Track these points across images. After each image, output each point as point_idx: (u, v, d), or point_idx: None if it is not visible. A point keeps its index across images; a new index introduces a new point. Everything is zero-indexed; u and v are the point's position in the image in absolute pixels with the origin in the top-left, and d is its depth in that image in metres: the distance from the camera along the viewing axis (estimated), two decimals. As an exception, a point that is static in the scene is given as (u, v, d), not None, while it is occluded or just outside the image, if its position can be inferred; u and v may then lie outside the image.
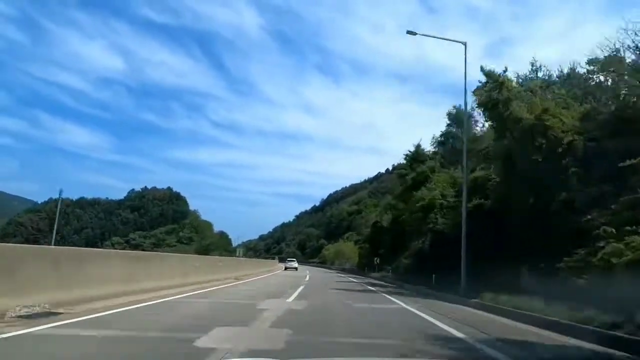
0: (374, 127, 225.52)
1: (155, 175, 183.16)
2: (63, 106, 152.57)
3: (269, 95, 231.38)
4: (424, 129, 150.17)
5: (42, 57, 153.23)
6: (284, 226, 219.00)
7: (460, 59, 16.94)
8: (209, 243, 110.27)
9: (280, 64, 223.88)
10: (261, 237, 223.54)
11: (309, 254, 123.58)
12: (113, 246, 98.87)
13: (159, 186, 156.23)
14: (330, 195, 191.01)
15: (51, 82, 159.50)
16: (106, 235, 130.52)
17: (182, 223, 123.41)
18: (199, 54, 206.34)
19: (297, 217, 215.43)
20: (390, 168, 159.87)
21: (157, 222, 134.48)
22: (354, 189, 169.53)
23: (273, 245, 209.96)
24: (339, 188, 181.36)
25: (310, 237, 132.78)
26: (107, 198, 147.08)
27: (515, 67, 54.63)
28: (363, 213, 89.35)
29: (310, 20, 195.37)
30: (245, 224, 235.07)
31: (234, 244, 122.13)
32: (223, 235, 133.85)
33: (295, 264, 57.84)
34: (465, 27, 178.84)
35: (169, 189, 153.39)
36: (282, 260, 74.50)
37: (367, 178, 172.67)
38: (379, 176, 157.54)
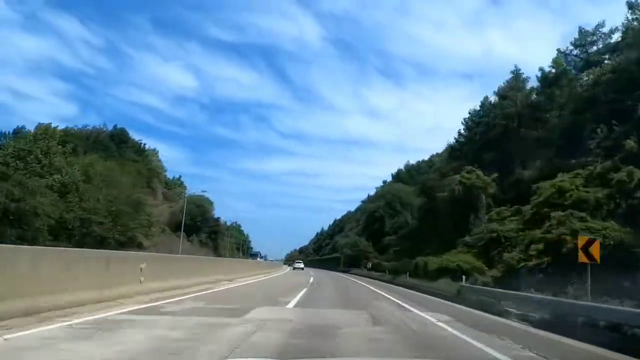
0: (441, 128, 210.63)
1: (226, 185, 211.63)
2: (145, 124, 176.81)
3: (333, 102, 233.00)
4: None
5: (125, 80, 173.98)
6: (345, 216, 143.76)
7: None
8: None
9: (342, 70, 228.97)
10: (317, 234, 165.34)
11: (395, 247, 47.49)
12: None
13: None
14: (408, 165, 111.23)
15: (134, 103, 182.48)
16: None
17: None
18: (264, 67, 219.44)
19: (363, 202, 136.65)
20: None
21: None
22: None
23: (325, 242, 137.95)
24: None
25: (394, 203, 57.20)
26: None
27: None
28: None
29: (369, 24, 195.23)
30: (307, 229, 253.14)
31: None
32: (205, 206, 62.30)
33: (302, 265, 61.53)
34: (534, 16, 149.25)
35: (115, 127, 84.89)
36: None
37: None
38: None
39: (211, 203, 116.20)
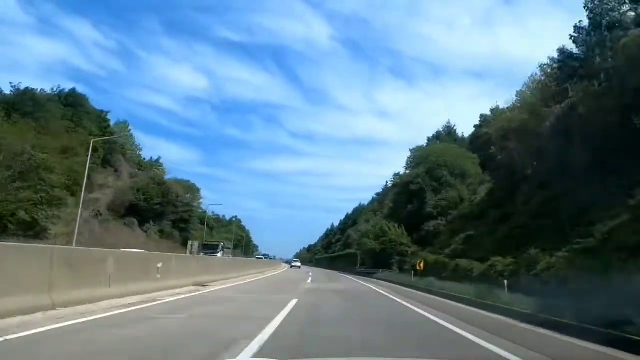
0: (452, 127, 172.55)
1: (237, 185, 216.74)
2: (156, 125, 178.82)
3: (343, 102, 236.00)
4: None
5: (137, 82, 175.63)
6: (358, 209, 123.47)
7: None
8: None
9: (352, 70, 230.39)
10: (326, 231, 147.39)
11: (455, 235, 27.20)
12: None
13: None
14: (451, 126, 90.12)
15: (145, 104, 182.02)
16: None
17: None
18: (274, 68, 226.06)
19: (378, 194, 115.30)
20: None
21: None
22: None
23: (336, 238, 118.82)
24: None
25: (439, 171, 36.92)
26: None
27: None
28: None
29: (380, 25, 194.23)
30: (317, 229, 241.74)
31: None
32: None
33: (299, 264, 62.68)
34: (547, 14, 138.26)
35: (69, 88, 65.34)
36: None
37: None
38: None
39: (198, 189, 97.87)
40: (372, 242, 37.66)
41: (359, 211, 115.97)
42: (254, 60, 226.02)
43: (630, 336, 5.51)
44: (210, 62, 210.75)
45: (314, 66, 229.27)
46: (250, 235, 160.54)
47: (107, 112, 74.10)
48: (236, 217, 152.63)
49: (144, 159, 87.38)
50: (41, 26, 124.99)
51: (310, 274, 34.60)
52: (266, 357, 4.09)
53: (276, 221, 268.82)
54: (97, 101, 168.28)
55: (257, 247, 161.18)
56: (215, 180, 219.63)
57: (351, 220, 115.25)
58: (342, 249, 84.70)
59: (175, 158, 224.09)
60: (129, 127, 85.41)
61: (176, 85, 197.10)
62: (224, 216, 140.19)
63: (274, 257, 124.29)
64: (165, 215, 50.80)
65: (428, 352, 5.56)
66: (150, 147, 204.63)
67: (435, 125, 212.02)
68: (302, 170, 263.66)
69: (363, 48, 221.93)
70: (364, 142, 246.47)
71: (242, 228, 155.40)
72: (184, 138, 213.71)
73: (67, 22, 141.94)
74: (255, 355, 4.49)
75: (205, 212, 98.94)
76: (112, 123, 79.71)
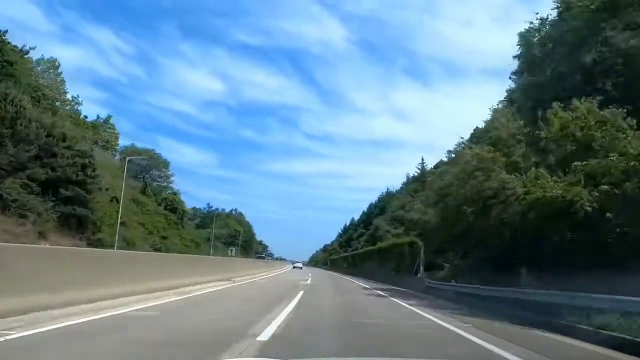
0: (470, 127, 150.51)
1: (253, 187, 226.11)
2: (175, 129, 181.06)
3: (359, 103, 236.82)
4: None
5: (156, 87, 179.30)
6: (383, 196, 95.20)
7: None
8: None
9: (368, 71, 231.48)
10: (344, 227, 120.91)
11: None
12: None
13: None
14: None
15: (164, 108, 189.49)
16: None
17: None
18: (291, 71, 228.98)
19: (404, 183, 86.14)
20: None
21: None
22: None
23: (358, 232, 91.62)
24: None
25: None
26: None
27: None
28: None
29: (396, 25, 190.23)
30: (334, 230, 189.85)
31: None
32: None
33: (300, 265, 65.14)
34: None
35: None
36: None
37: None
38: None
39: (166, 163, 72.06)
40: (547, 183, 8.41)
41: (387, 198, 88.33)
42: (270, 62, 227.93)
43: None
44: (227, 66, 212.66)
45: (330, 68, 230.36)
46: (254, 232, 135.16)
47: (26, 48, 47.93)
48: (236, 209, 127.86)
49: (86, 117, 61.39)
50: (65, 34, 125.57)
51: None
52: (266, 357, 4.18)
53: (292, 223, 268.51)
54: (115, 105, 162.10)
55: (267, 247, 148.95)
56: (233, 182, 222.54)
57: (377, 209, 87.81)
58: (373, 240, 57.93)
59: (193, 160, 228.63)
60: (59, 70, 59.40)
61: (194, 89, 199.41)
62: (223, 209, 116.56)
63: (273, 257, 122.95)
64: (20, 167, 24.49)
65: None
66: (170, 149, 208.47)
67: (452, 126, 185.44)
68: (319, 172, 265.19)
69: (379, 49, 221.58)
70: (381, 143, 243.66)
71: (245, 223, 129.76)
72: (201, 141, 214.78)
73: (89, 30, 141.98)
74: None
75: (175, 193, 72.95)
76: (33, 59, 54.96)
